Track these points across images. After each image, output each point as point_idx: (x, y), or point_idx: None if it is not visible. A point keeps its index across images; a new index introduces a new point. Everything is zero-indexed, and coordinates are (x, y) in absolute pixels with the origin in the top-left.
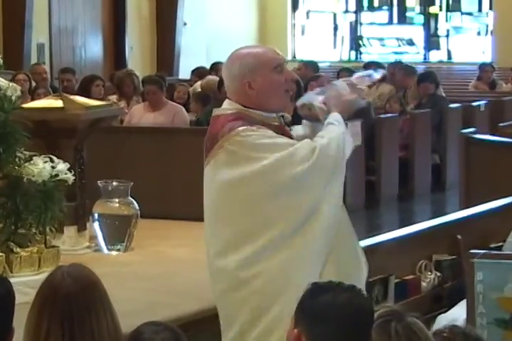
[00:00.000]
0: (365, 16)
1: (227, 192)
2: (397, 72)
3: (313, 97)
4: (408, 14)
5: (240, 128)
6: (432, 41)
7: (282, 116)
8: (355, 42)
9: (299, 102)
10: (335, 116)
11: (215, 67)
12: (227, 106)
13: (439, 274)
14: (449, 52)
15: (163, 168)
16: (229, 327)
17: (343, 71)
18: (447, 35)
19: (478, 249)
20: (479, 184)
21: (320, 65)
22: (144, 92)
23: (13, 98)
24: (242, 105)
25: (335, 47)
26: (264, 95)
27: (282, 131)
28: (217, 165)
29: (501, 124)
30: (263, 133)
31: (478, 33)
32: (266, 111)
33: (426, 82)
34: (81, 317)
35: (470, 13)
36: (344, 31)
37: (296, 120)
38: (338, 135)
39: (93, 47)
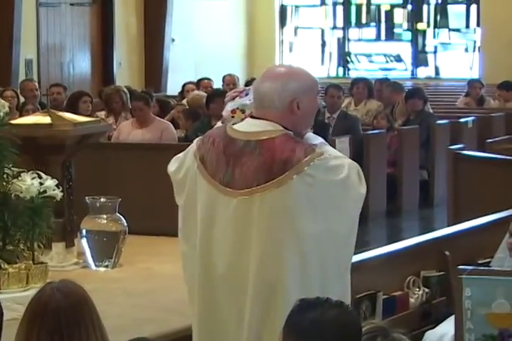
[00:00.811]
0: (353, 32)
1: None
2: (385, 88)
3: (243, 101)
4: (396, 30)
5: (316, 152)
6: (419, 57)
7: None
8: (343, 58)
9: (230, 108)
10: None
11: (201, 83)
12: (270, 128)
13: (427, 290)
14: (436, 69)
15: (151, 185)
16: None
17: (331, 87)
18: (435, 52)
19: (467, 265)
20: (467, 200)
21: None
22: (131, 109)
23: (1, 114)
24: (279, 124)
25: (323, 63)
26: (305, 117)
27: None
28: (293, 189)
29: (489, 140)
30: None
31: (466, 50)
32: (294, 132)
33: (414, 98)
34: (70, 332)
35: (458, 30)
36: (332, 47)
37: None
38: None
39: (81, 63)
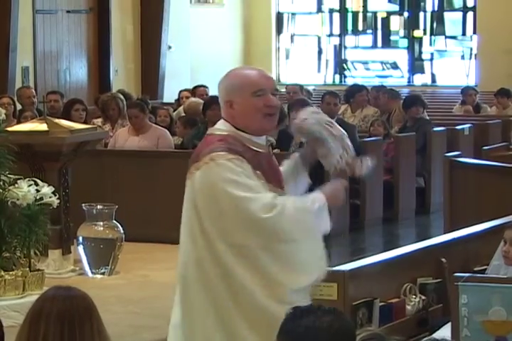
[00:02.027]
0: (350, 40)
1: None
2: (382, 95)
3: (320, 116)
4: (392, 38)
5: (214, 154)
6: (416, 65)
7: (271, 145)
8: (340, 65)
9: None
10: (321, 200)
11: (196, 91)
12: (220, 127)
13: (423, 297)
14: (433, 76)
15: (147, 192)
16: None
17: (328, 94)
18: (431, 59)
19: (463, 272)
20: (464, 207)
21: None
22: (128, 116)
23: None
24: (233, 125)
25: (319, 70)
26: (244, 117)
27: (267, 159)
28: (193, 184)
29: (485, 148)
30: (232, 168)
31: (462, 57)
32: (250, 133)
33: (416, 105)
34: (82, 321)
35: (454, 37)
36: (328, 55)
37: (281, 144)
38: (305, 219)
39: (78, 71)
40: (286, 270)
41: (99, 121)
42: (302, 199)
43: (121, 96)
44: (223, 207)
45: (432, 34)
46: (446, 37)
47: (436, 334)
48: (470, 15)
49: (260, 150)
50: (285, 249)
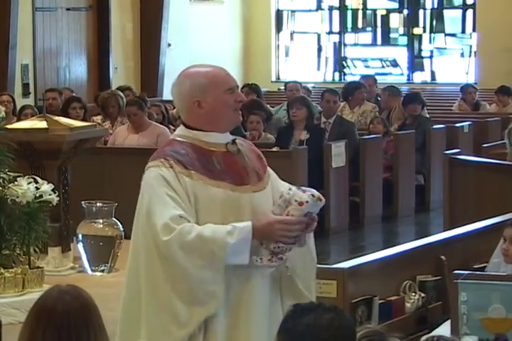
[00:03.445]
0: (349, 37)
1: None
2: (382, 92)
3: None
4: (392, 35)
5: (151, 163)
6: (415, 62)
7: (234, 142)
8: (339, 63)
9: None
10: (245, 228)
11: None
12: (176, 131)
13: (423, 295)
14: (432, 73)
15: None
16: None
17: (327, 92)
18: (431, 56)
19: (462, 270)
20: (463, 205)
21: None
22: (126, 114)
23: None
24: (188, 125)
25: (319, 68)
26: (214, 115)
27: (230, 158)
28: None
29: (485, 145)
30: (159, 182)
31: (462, 55)
32: (214, 130)
33: (415, 103)
34: (79, 332)
35: (453, 35)
36: (328, 52)
37: (281, 141)
38: (211, 247)
39: (77, 68)
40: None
41: (98, 118)
42: (216, 228)
43: (121, 94)
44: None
45: (431, 32)
46: (445, 34)
47: (436, 332)
48: (470, 12)
49: (221, 149)
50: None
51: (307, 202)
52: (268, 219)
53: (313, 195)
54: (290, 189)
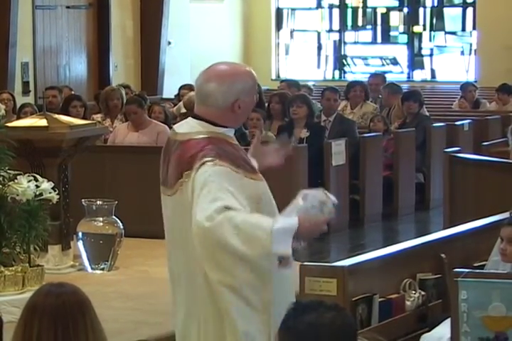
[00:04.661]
0: (349, 35)
1: None
2: (383, 90)
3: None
4: (392, 33)
5: (208, 160)
6: (415, 60)
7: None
8: (339, 61)
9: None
10: (292, 221)
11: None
12: (200, 129)
13: (423, 293)
14: (432, 72)
15: (147, 187)
16: None
17: (328, 90)
18: (431, 55)
19: (463, 268)
20: (463, 203)
21: (304, 84)
22: (126, 113)
23: None
24: (214, 123)
25: (319, 66)
26: (243, 115)
27: (241, 149)
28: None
29: (485, 143)
30: (223, 178)
31: (462, 53)
32: (232, 128)
33: (410, 101)
34: (75, 320)
35: (454, 33)
36: (328, 50)
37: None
38: (252, 236)
39: (77, 66)
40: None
41: (98, 116)
42: (262, 217)
43: (123, 92)
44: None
45: (431, 30)
46: (445, 32)
47: (436, 330)
48: (470, 10)
49: (235, 142)
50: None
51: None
52: (314, 220)
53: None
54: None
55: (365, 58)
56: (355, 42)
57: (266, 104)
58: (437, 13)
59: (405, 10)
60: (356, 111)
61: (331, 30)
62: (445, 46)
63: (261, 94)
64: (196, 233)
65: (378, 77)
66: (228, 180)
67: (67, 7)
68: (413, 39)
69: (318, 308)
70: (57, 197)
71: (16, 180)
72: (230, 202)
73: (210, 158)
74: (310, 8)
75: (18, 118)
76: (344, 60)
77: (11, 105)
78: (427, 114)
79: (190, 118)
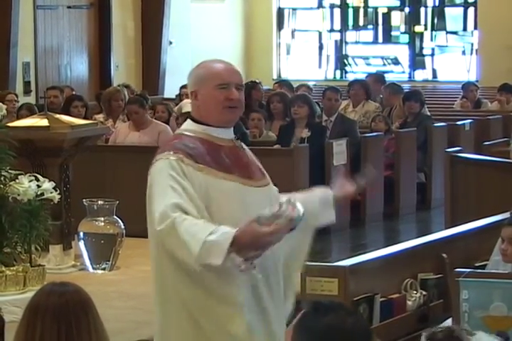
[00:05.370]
0: (350, 35)
1: None
2: (384, 90)
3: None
4: (393, 33)
5: (159, 156)
6: (417, 60)
7: (238, 139)
8: (341, 61)
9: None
10: (227, 234)
11: None
12: (183, 127)
13: (424, 293)
14: (434, 71)
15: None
16: None
17: (329, 90)
18: (432, 54)
19: (464, 268)
20: (464, 203)
21: (302, 83)
22: (127, 113)
23: None
24: (194, 119)
25: (320, 66)
26: (204, 109)
27: (237, 153)
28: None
29: (486, 143)
30: (164, 173)
31: (463, 52)
32: (212, 125)
33: (411, 100)
34: (78, 319)
35: (455, 32)
36: (329, 50)
37: (282, 139)
38: (192, 243)
39: (78, 66)
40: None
41: (100, 117)
42: (204, 225)
43: (126, 92)
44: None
45: (432, 29)
46: (447, 32)
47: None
48: (471, 10)
49: (223, 143)
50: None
51: (295, 220)
52: (253, 232)
53: (302, 214)
54: (281, 204)
55: (366, 58)
56: (357, 42)
57: (266, 104)
58: (439, 13)
59: (406, 10)
60: (358, 109)
61: (332, 30)
62: (446, 46)
63: (256, 91)
64: (152, 232)
65: (373, 76)
66: (177, 174)
67: (69, 7)
68: (414, 39)
69: (339, 311)
70: (59, 196)
71: (17, 180)
72: (179, 200)
73: (165, 153)
74: (311, 8)
75: (18, 118)
76: (345, 60)
77: (17, 105)
78: (429, 113)
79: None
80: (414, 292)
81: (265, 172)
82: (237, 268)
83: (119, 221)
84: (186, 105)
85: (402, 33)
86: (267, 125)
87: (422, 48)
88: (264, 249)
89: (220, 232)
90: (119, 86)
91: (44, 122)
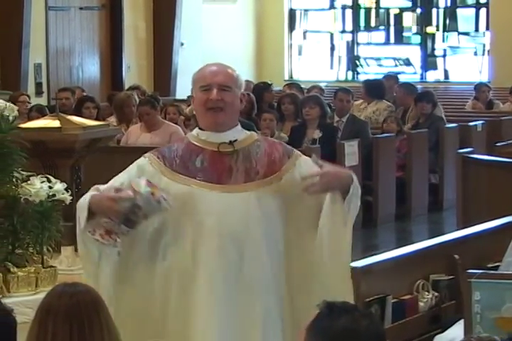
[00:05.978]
0: (362, 36)
1: None
2: (398, 89)
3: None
4: (405, 34)
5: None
6: (428, 61)
7: (231, 142)
8: (352, 62)
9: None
10: (86, 197)
11: None
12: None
13: (436, 294)
14: (445, 72)
15: None
16: None
17: (340, 91)
18: (444, 55)
19: (476, 269)
20: (476, 204)
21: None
22: (139, 114)
23: (11, 118)
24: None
25: (332, 67)
26: (196, 112)
27: (217, 158)
28: None
29: (498, 144)
30: (127, 170)
31: (475, 53)
32: (203, 129)
33: (423, 101)
34: (90, 319)
35: (467, 33)
36: (341, 51)
37: (294, 140)
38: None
39: (90, 67)
40: None
41: (113, 120)
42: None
43: (136, 96)
44: None
45: (444, 30)
46: (459, 33)
47: (449, 332)
48: (483, 11)
49: (207, 147)
50: None
51: (140, 193)
52: (101, 196)
53: (152, 193)
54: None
55: (378, 59)
56: (368, 43)
57: (277, 105)
58: (450, 14)
59: (418, 10)
60: (370, 107)
61: (343, 31)
62: (458, 47)
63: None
64: None
65: (391, 78)
66: (134, 171)
67: (80, 8)
68: (426, 40)
69: (354, 313)
70: (70, 198)
71: (28, 181)
72: (102, 186)
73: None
74: (323, 9)
75: (29, 119)
76: (357, 61)
77: (28, 107)
78: (442, 114)
79: None
80: (426, 293)
81: (266, 177)
82: (98, 237)
83: None
84: None
85: (413, 33)
86: (278, 126)
87: (433, 49)
88: (111, 216)
89: (88, 195)
90: (128, 90)
91: (56, 123)
